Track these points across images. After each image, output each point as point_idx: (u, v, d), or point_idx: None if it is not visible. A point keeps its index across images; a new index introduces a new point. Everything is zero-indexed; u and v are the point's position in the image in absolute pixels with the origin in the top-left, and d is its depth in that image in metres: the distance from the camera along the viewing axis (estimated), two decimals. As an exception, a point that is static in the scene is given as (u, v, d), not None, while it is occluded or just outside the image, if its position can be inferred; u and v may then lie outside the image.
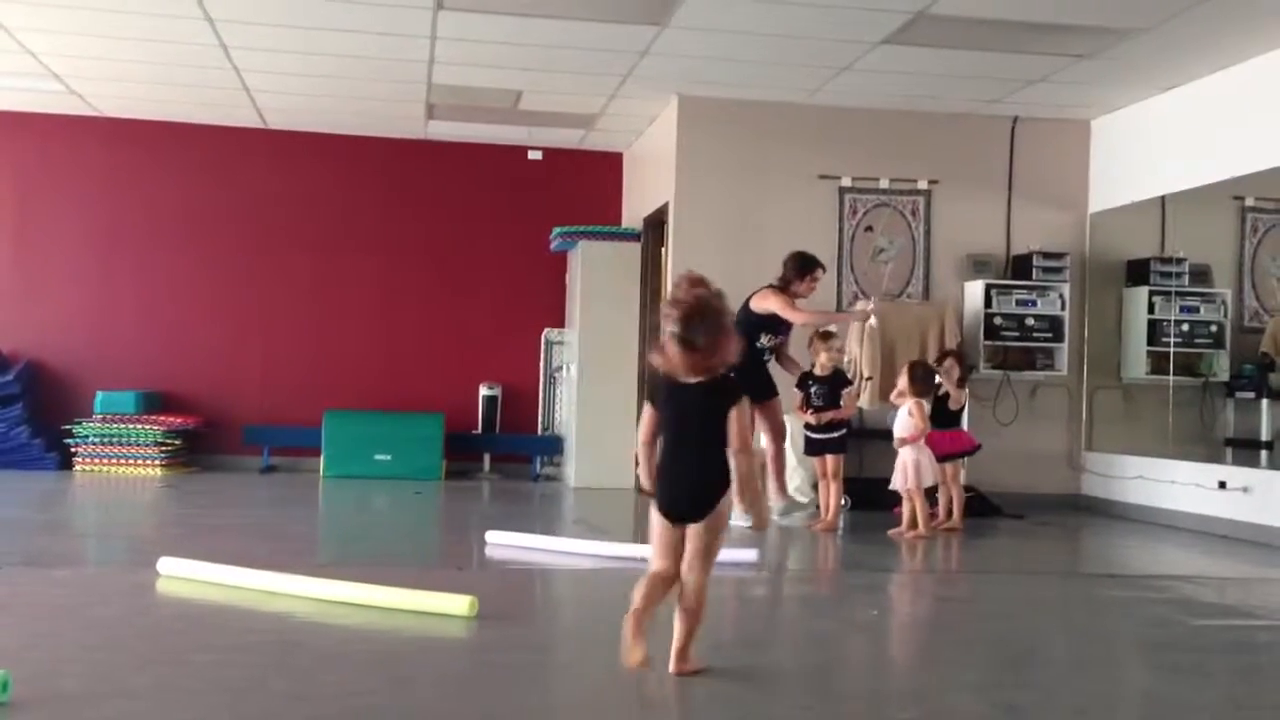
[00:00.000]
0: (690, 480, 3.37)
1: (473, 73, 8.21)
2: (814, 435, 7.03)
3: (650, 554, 3.46)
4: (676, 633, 3.42)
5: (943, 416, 7.21)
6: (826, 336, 7.13)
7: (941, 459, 6.95)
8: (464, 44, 7.53)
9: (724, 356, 3.32)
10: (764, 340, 6.95)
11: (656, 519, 3.41)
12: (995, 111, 8.68)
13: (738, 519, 6.97)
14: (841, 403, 6.99)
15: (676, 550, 3.38)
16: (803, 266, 7.02)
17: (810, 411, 6.98)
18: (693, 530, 3.36)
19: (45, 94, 9.15)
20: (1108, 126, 8.73)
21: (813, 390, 7.01)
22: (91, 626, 3.94)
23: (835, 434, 7.01)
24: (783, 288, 7.00)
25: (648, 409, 3.45)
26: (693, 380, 3.32)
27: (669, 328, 3.26)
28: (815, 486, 7.40)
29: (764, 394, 6.86)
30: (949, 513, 7.19)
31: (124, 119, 9.90)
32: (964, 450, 7.34)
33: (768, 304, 6.93)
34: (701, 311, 3.27)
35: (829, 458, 7.04)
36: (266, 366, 10.13)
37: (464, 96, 8.86)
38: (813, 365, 7.13)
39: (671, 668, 3.41)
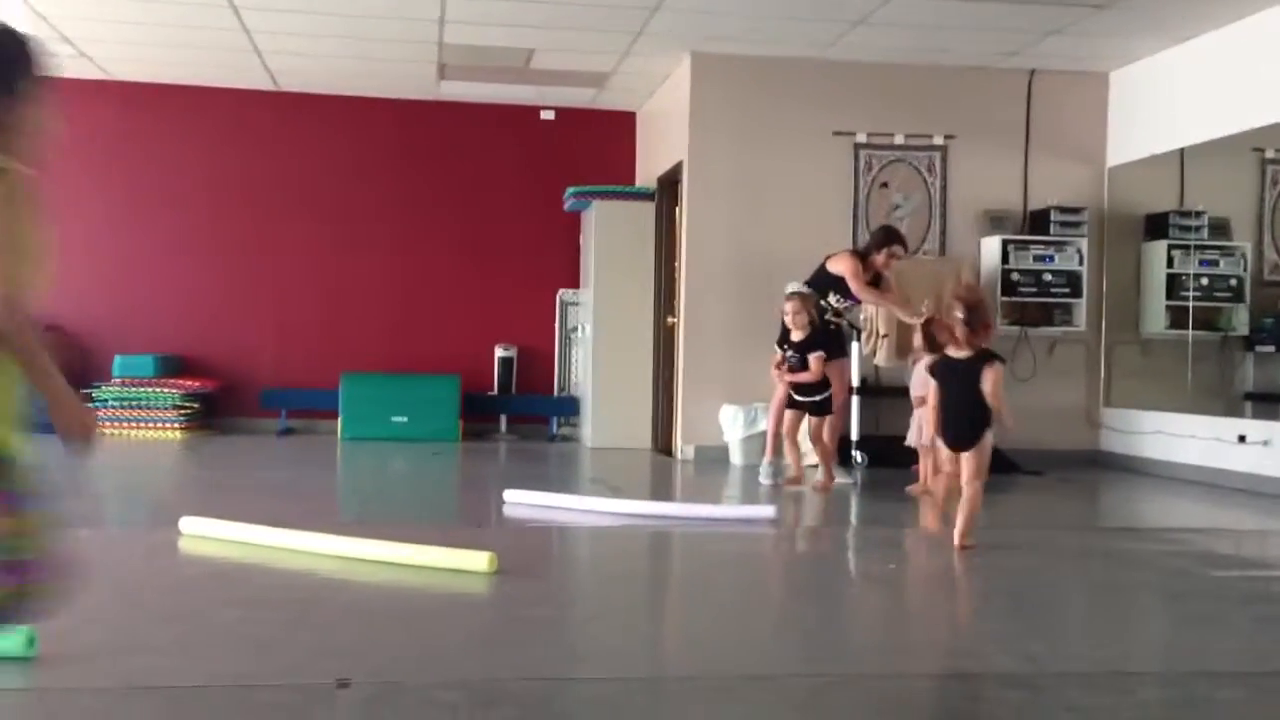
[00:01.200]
0: (962, 421, 4.96)
1: (484, 31, 8.15)
2: (797, 396, 6.96)
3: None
4: (960, 522, 4.90)
5: None
6: (801, 298, 7.01)
7: None
8: (475, 2, 7.47)
9: (985, 339, 4.96)
10: (832, 300, 7.07)
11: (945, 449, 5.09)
12: (1012, 65, 8.58)
13: (763, 477, 7.04)
14: (810, 366, 6.87)
15: (957, 467, 5.00)
16: (884, 239, 7.12)
17: (787, 371, 6.93)
18: (965, 456, 4.93)
19: (57, 57, 9.11)
20: (1125, 78, 8.63)
21: (787, 353, 6.95)
22: (116, 585, 3.98)
23: (817, 396, 6.88)
24: (862, 255, 7.10)
25: (933, 382, 5.15)
26: (963, 355, 4.96)
27: (957, 314, 4.90)
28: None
29: (831, 351, 6.98)
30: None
31: (136, 82, 9.87)
32: None
33: (839, 266, 7.06)
34: (979, 305, 4.97)
35: (812, 419, 6.96)
36: (283, 329, 10.15)
37: (476, 56, 8.81)
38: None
39: (957, 543, 4.88)
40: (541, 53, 8.68)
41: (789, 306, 6.86)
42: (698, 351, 8.49)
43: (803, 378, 6.82)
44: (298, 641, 3.27)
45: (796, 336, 6.86)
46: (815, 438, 6.95)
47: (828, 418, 6.92)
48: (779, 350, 6.98)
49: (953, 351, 5.03)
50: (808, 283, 7.21)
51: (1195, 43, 7.87)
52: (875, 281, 7.11)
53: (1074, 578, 4.73)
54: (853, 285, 6.98)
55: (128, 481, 7.46)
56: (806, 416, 6.94)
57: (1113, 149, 8.75)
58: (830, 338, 7.07)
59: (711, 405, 8.32)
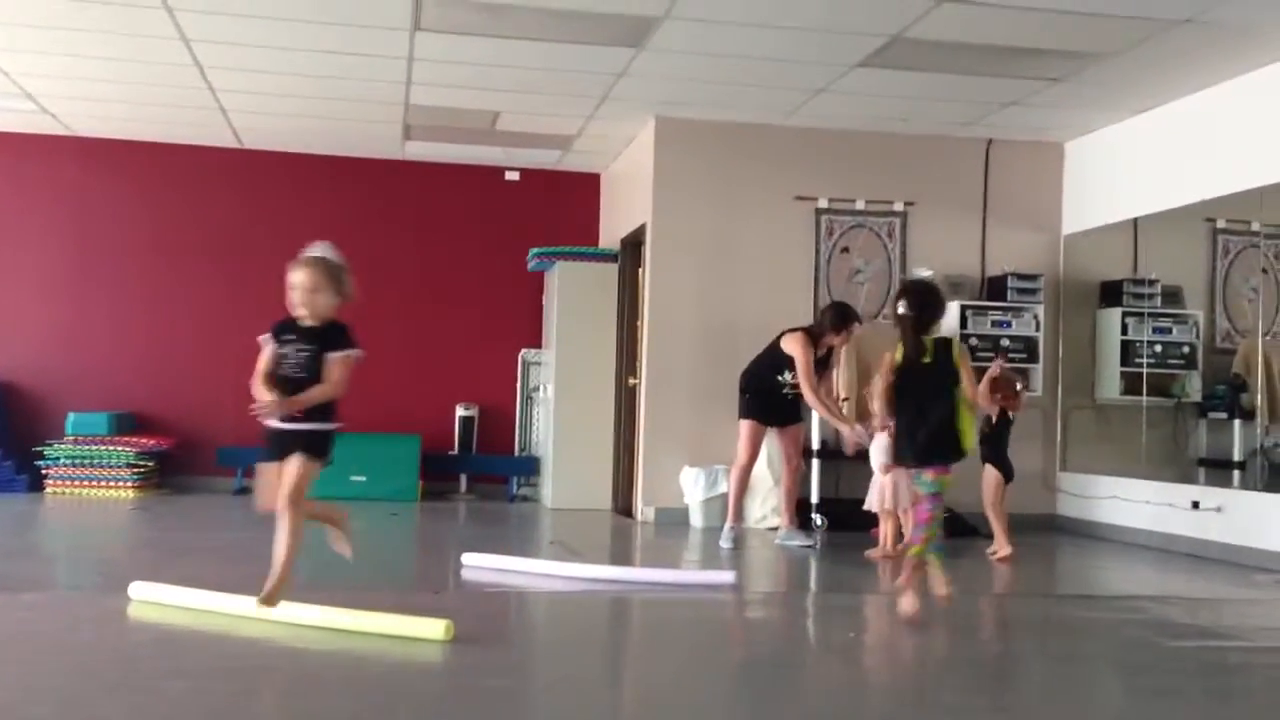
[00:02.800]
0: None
1: (450, 94, 8.21)
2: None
3: None
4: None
5: None
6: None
7: None
8: (441, 65, 7.54)
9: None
10: (787, 376, 7.12)
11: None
12: (970, 134, 8.75)
13: (723, 541, 7.04)
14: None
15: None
16: (841, 318, 7.19)
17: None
18: None
19: (17, 113, 9.09)
20: (1081, 149, 8.82)
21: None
22: (63, 652, 3.89)
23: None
24: (814, 336, 7.10)
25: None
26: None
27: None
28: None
29: (784, 420, 7.24)
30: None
31: (98, 138, 9.84)
32: None
33: (792, 348, 7.10)
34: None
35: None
36: (241, 387, 9.94)
37: (441, 117, 8.87)
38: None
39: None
40: (507, 115, 8.75)
41: None
42: (659, 413, 8.50)
43: None
44: (249, 713, 3.20)
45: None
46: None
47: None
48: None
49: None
50: (758, 358, 7.27)
51: (1148, 116, 8.06)
52: (827, 356, 7.17)
53: (1032, 648, 4.73)
54: (801, 376, 7.03)
55: (78, 543, 7.33)
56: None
57: (1068, 217, 8.91)
58: (788, 405, 7.16)
59: (672, 467, 8.32)
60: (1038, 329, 8.56)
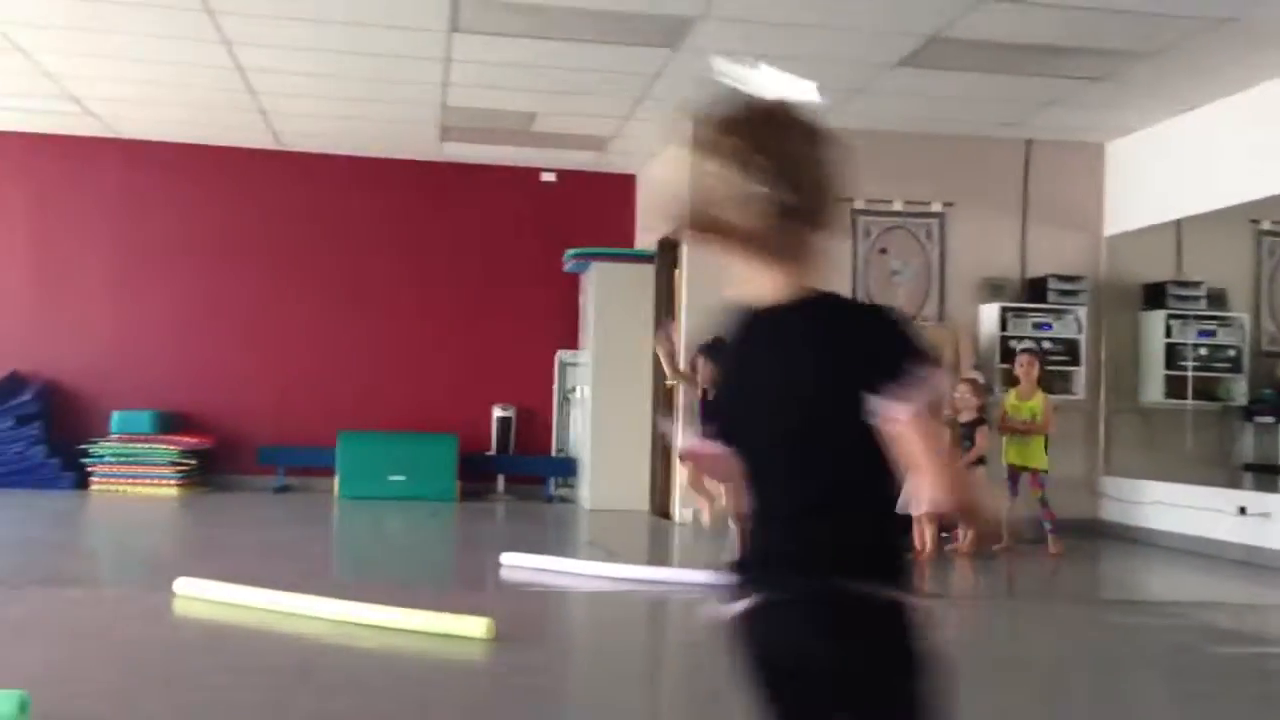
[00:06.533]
0: None
1: (487, 95, 8.24)
2: None
3: None
4: None
5: None
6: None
7: None
8: (478, 66, 7.56)
9: None
10: None
11: None
12: (1009, 134, 8.68)
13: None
14: None
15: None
16: None
17: None
18: None
19: (63, 115, 9.21)
20: (1122, 149, 8.72)
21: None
22: (110, 648, 3.94)
23: None
24: None
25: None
26: None
27: None
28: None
29: None
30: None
31: (140, 140, 9.95)
32: None
33: None
34: None
35: None
36: (281, 387, 10.14)
37: (478, 119, 8.90)
38: None
39: None
40: (544, 116, 8.77)
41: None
42: (697, 413, 8.47)
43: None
44: (294, 708, 3.23)
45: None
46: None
47: None
48: None
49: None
50: None
51: (1191, 115, 7.96)
52: None
53: (1077, 653, 4.68)
54: None
55: (123, 540, 7.42)
56: None
57: (1110, 219, 8.82)
58: None
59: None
60: (1079, 331, 8.47)
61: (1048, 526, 7.27)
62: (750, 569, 1.58)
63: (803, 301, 1.57)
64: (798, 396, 1.55)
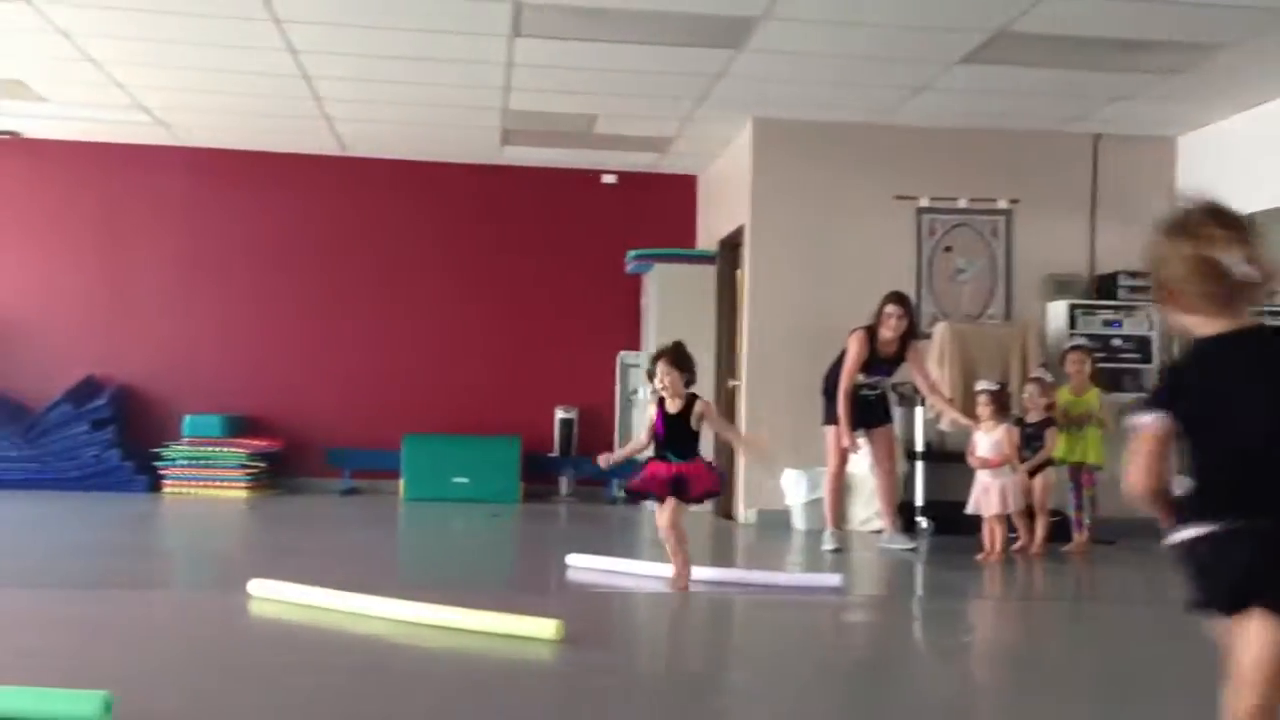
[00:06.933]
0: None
1: (548, 98, 8.28)
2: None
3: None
4: None
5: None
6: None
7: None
8: (540, 70, 7.60)
9: None
10: (861, 377, 7.01)
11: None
12: (1077, 129, 8.55)
13: (826, 544, 6.97)
14: None
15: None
16: (879, 305, 7.03)
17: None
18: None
19: (134, 125, 9.40)
20: (1194, 143, 8.55)
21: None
22: (190, 648, 4.01)
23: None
24: (868, 329, 7.00)
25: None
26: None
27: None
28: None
29: (868, 422, 7.03)
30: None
31: (208, 148, 10.13)
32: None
33: (847, 346, 7.05)
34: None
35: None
36: (347, 390, 10.26)
37: (539, 122, 8.94)
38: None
39: None
40: (605, 119, 8.79)
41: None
42: (759, 414, 8.45)
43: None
44: (371, 708, 3.26)
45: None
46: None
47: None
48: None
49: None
50: (835, 361, 7.14)
51: (1265, 108, 7.78)
52: (901, 350, 7.03)
53: (1151, 656, 4.60)
54: (845, 367, 6.97)
55: (196, 542, 7.56)
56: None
57: (1181, 214, 8.64)
58: (870, 407, 7.07)
59: (773, 468, 8.26)
60: (1150, 328, 8.31)
61: (1086, 522, 7.19)
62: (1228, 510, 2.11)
63: (1247, 329, 2.22)
64: None
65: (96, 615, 4.54)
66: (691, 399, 5.45)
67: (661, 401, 5.48)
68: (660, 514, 5.48)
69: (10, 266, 10.03)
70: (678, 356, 5.47)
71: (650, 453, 5.59)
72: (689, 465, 5.40)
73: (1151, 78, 7.33)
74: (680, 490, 5.39)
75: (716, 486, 5.73)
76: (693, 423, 5.40)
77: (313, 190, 10.34)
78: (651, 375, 5.56)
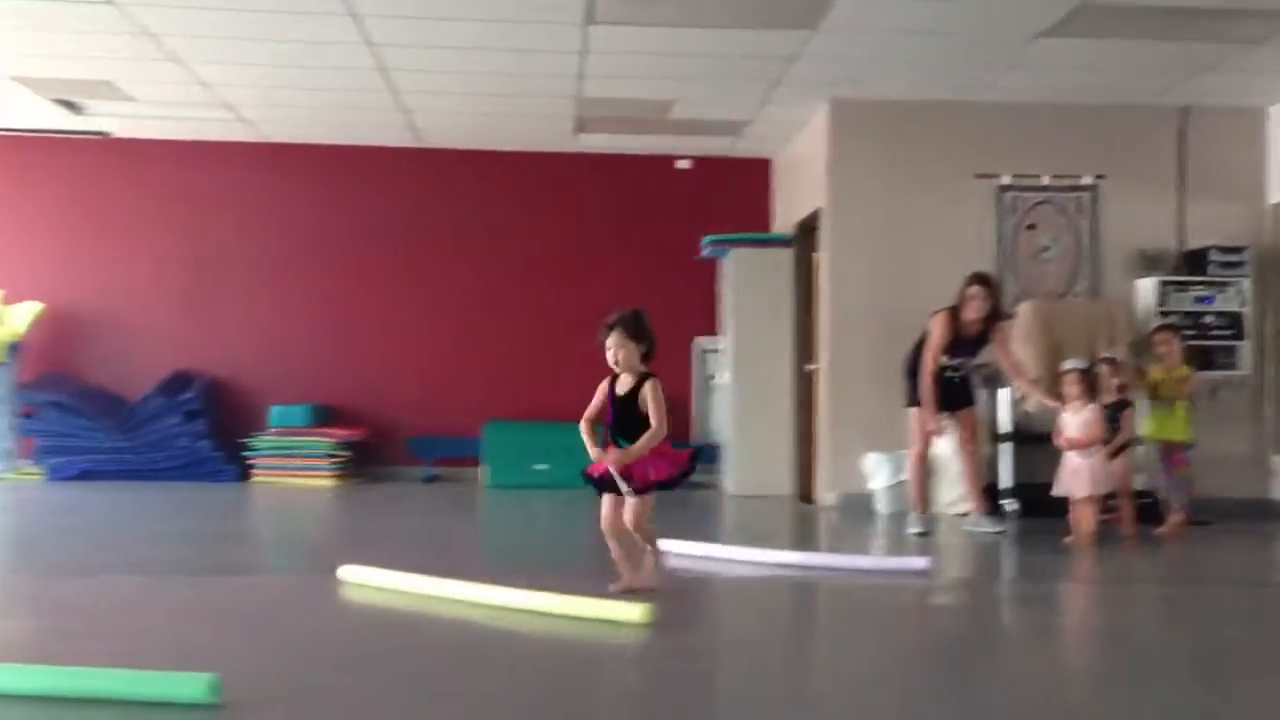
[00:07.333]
0: None
1: (622, 85, 8.28)
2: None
3: None
4: None
5: None
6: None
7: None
8: (614, 57, 7.60)
9: None
10: (945, 359, 6.95)
11: None
12: (1163, 102, 8.34)
13: (911, 527, 6.92)
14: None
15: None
16: (963, 287, 6.95)
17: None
18: None
19: (217, 122, 9.59)
20: (1286, 113, 8.30)
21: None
22: (287, 632, 4.10)
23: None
24: (952, 310, 6.94)
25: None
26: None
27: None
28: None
29: (952, 404, 6.98)
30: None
31: (288, 143, 10.29)
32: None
33: (930, 327, 6.99)
34: None
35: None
36: (428, 379, 10.40)
37: (614, 109, 8.95)
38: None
39: None
40: (680, 104, 8.77)
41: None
42: (839, 398, 8.40)
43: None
44: (466, 690, 3.31)
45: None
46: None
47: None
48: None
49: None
50: (917, 343, 7.08)
51: (1362, 73, 7.54)
52: (985, 331, 6.95)
53: (1248, 639, 4.49)
54: (929, 347, 6.92)
55: (286, 529, 7.72)
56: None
57: (1274, 186, 8.41)
58: (954, 389, 7.01)
59: (854, 452, 8.21)
60: (1243, 304, 8.09)
61: (1178, 503, 7.04)
62: None
63: None
64: None
65: (199, 600, 4.66)
66: (643, 378, 4.69)
67: (614, 380, 4.75)
68: (605, 511, 4.75)
69: (104, 263, 10.31)
70: (635, 326, 4.70)
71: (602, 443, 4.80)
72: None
73: (1239, 48, 7.12)
74: (628, 483, 4.62)
75: (672, 473, 4.72)
76: (639, 404, 4.63)
77: (390, 182, 10.47)
78: (602, 346, 4.72)
